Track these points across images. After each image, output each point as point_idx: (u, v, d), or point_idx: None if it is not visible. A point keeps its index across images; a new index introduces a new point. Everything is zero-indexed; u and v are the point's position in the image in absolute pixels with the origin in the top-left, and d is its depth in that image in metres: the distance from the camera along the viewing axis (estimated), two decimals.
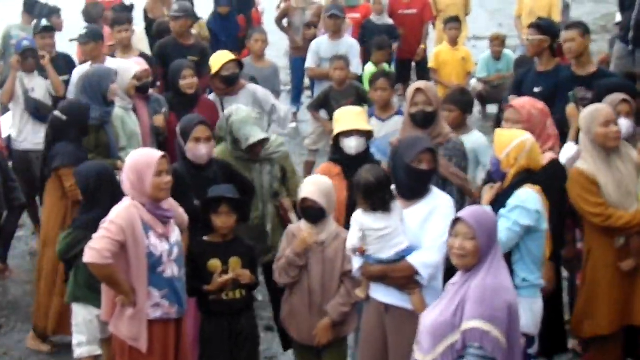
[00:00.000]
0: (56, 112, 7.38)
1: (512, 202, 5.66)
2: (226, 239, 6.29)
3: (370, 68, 10.86)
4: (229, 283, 6.19)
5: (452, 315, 4.67)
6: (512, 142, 5.75)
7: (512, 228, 5.60)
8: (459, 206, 5.98)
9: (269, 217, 7.29)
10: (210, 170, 6.68)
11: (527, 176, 5.74)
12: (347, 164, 6.54)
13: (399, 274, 5.62)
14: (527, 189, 5.70)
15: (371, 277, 5.72)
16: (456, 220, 4.80)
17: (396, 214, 5.64)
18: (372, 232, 5.62)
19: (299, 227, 6.19)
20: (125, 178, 5.74)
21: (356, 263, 5.79)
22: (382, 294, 5.74)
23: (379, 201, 5.62)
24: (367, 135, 6.64)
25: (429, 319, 4.82)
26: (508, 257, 5.61)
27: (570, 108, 7.31)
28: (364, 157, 6.58)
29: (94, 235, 5.58)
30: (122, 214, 5.63)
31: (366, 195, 5.64)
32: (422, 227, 5.63)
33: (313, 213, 6.06)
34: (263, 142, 7.03)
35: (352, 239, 5.68)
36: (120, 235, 5.55)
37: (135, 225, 5.63)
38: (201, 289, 6.21)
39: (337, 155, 6.63)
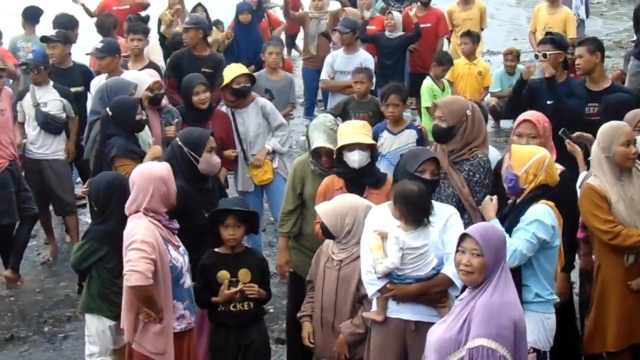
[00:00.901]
0: (107, 109, 7.46)
1: (528, 216, 5.62)
2: (235, 250, 6.30)
3: (428, 82, 10.90)
4: (237, 295, 6.20)
5: (457, 332, 4.65)
6: (532, 158, 5.70)
7: (531, 240, 5.56)
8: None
9: None
10: (209, 182, 6.75)
11: (543, 192, 5.71)
12: (351, 178, 6.51)
13: (438, 289, 5.59)
14: (543, 204, 5.66)
15: (408, 296, 5.61)
16: (463, 236, 4.78)
17: (429, 230, 5.58)
18: (411, 251, 5.55)
19: (328, 245, 6.12)
20: (152, 191, 5.72)
21: (374, 285, 5.63)
22: (409, 312, 5.66)
23: (421, 214, 5.53)
24: (371, 148, 6.57)
25: (434, 335, 4.79)
26: (518, 272, 5.58)
27: (569, 145, 7.01)
28: (369, 171, 6.54)
29: (130, 257, 5.57)
30: (147, 232, 5.64)
31: (410, 207, 5.51)
32: (441, 239, 5.62)
33: (323, 229, 6.02)
34: (331, 155, 6.75)
35: (394, 258, 5.54)
36: (154, 254, 5.59)
37: (159, 241, 5.68)
38: (210, 301, 6.22)
39: (341, 168, 6.57)
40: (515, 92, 8.68)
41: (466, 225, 5.72)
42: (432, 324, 5.39)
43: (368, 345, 5.79)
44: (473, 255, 4.68)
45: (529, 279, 5.66)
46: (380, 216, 5.74)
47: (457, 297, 5.23)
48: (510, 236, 5.53)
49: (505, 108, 8.98)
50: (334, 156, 6.65)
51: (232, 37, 12.41)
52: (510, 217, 5.73)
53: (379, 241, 5.60)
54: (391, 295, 5.63)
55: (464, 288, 4.98)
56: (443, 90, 10.87)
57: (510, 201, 5.88)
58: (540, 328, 5.66)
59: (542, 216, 5.60)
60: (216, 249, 6.32)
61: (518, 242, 5.53)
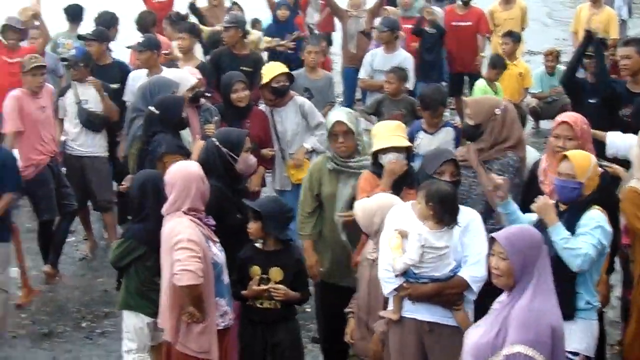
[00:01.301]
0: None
1: (589, 222, 5.56)
2: (268, 247, 6.29)
3: (482, 84, 10.91)
4: (264, 292, 6.20)
5: (494, 337, 4.62)
6: (591, 164, 5.66)
7: (597, 246, 5.51)
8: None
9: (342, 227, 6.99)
10: (243, 182, 6.80)
11: (594, 197, 5.65)
12: None
13: (453, 290, 5.55)
14: (598, 210, 5.61)
15: (423, 296, 5.58)
16: (492, 239, 4.76)
17: (453, 232, 5.54)
18: (432, 251, 5.50)
19: (368, 244, 6.09)
20: (192, 189, 5.75)
21: (391, 284, 5.61)
22: (425, 313, 5.62)
23: (452, 214, 5.50)
24: (406, 149, 6.52)
25: (472, 339, 4.77)
26: (572, 279, 5.53)
27: (609, 168, 6.70)
28: (405, 171, 6.45)
29: (179, 257, 5.58)
30: (192, 231, 5.66)
31: (445, 207, 5.47)
32: (461, 242, 5.58)
33: (357, 226, 6.03)
34: (348, 135, 6.76)
35: (413, 254, 5.50)
36: (201, 252, 5.61)
37: (202, 239, 5.70)
38: (240, 294, 6.24)
39: (378, 169, 6.51)
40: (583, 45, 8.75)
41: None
42: (447, 326, 5.50)
43: (387, 344, 5.79)
44: (500, 259, 4.66)
45: (581, 286, 5.62)
46: (402, 215, 5.70)
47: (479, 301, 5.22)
48: None
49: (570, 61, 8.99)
50: (368, 151, 6.63)
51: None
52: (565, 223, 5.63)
53: (399, 240, 5.56)
54: (407, 294, 5.60)
55: (491, 292, 4.92)
56: (496, 93, 10.82)
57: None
58: (589, 335, 5.63)
59: (603, 222, 5.56)
60: (256, 244, 6.32)
61: (587, 247, 5.47)
